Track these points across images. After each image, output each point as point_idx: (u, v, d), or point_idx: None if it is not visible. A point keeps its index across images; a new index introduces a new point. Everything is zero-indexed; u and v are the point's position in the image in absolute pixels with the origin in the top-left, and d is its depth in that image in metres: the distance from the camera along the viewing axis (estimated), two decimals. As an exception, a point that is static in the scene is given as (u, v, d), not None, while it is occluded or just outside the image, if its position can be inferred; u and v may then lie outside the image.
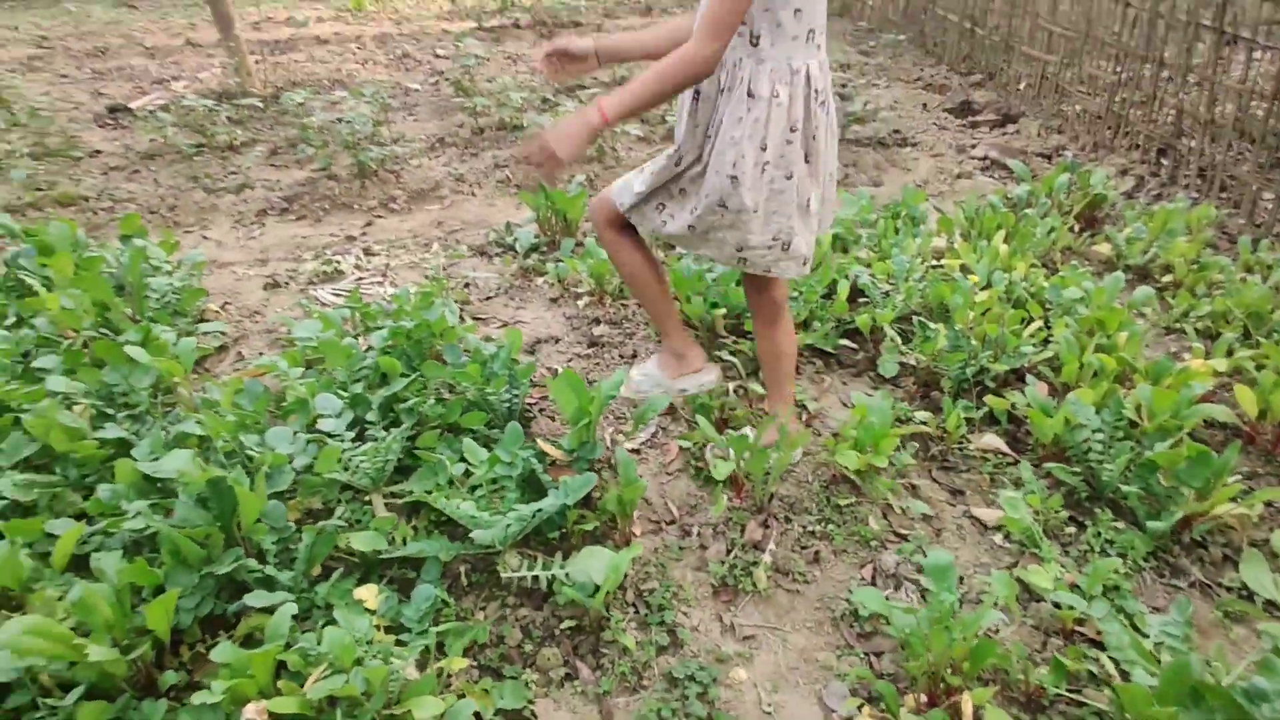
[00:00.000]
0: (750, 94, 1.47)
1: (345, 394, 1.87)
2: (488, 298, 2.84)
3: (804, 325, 2.40)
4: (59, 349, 2.05)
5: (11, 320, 2.26)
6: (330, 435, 1.74)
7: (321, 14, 7.52)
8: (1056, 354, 2.15)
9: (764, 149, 1.50)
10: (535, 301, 2.81)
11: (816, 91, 1.51)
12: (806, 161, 1.55)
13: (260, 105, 4.68)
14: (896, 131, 4.18)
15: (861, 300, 2.54)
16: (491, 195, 3.67)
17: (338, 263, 3.04)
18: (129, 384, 1.90)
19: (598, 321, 2.63)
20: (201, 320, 2.63)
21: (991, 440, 2.00)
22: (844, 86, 4.80)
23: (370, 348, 2.12)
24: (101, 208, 3.54)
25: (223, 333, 2.46)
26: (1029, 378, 2.06)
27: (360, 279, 2.98)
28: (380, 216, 3.50)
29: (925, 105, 4.68)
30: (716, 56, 1.39)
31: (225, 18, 4.70)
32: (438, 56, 6.04)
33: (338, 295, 2.86)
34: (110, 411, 1.85)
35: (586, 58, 1.76)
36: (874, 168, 3.80)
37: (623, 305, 2.71)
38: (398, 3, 7.68)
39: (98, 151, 4.19)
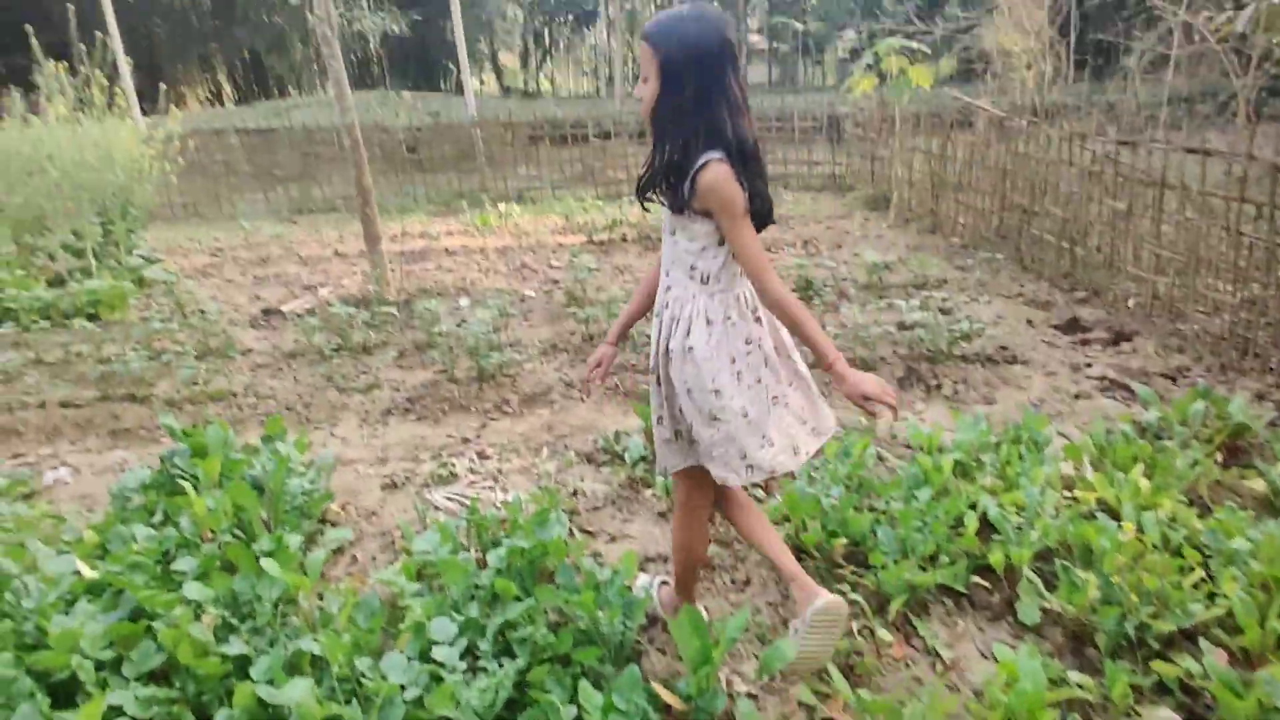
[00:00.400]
0: (709, 321, 1.69)
1: (459, 616, 1.85)
2: (596, 508, 2.84)
3: (931, 559, 2.26)
4: (197, 551, 2.14)
5: (159, 518, 2.40)
6: (443, 666, 1.70)
7: (451, 229, 8.44)
8: (1229, 612, 1.92)
9: (733, 361, 1.70)
10: (643, 515, 2.78)
11: (755, 311, 1.75)
12: (766, 366, 1.74)
13: (394, 311, 5.15)
14: (1004, 348, 4.15)
15: (993, 535, 2.38)
16: (600, 401, 3.79)
17: (452, 465, 3.14)
18: (255, 593, 1.95)
19: (709, 542, 2.56)
20: (325, 521, 2.72)
21: (1167, 716, 1.75)
22: (944, 300, 4.88)
23: (486, 565, 2.12)
24: (246, 403, 3.86)
25: (347, 541, 2.52)
26: (1202, 642, 1.83)
27: (473, 482, 3.05)
28: (494, 419, 3.66)
29: (1030, 321, 4.67)
30: (782, 285, 1.65)
31: (374, 235, 5.33)
32: (552, 267, 6.58)
33: (451, 500, 2.93)
34: (235, 623, 1.88)
35: (614, 354, 2.01)
36: (984, 385, 3.74)
37: (727, 526, 2.65)
38: (519, 219, 8.55)
39: (249, 350, 4.65)
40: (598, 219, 8.16)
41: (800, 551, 2.37)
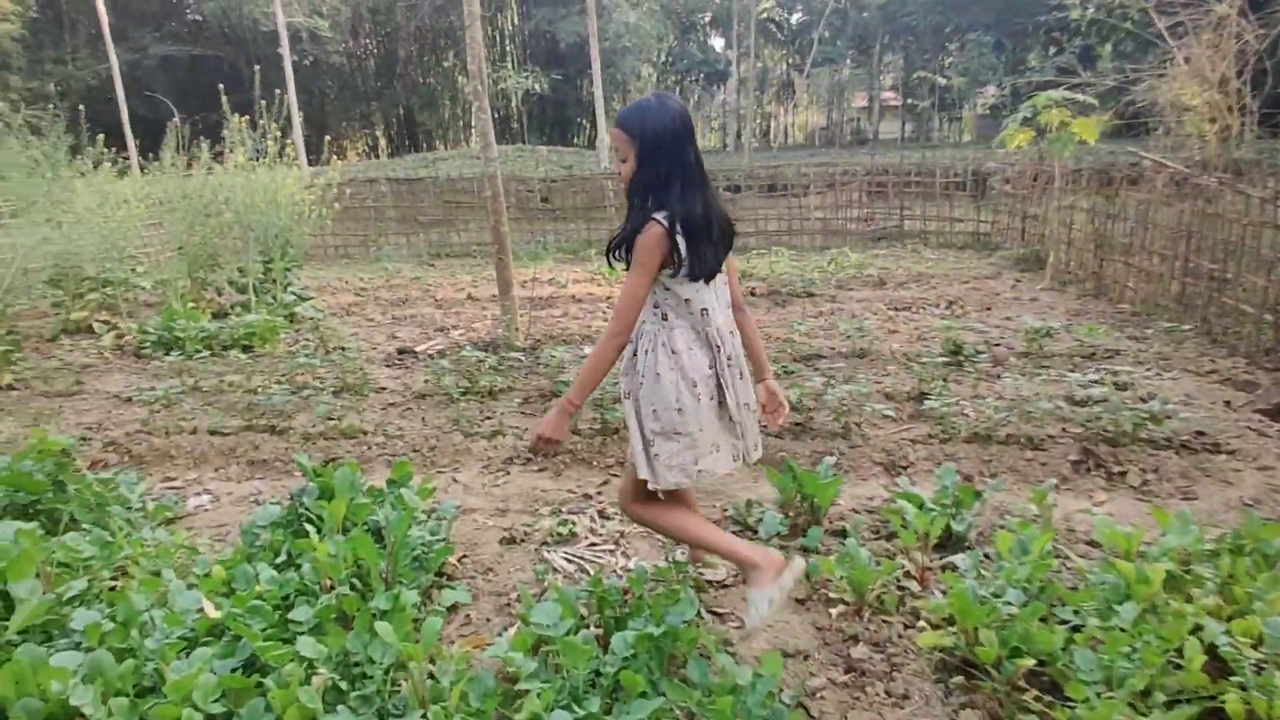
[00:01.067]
0: (672, 351, 1.98)
1: (580, 711, 1.64)
2: (725, 585, 2.58)
3: (1143, 695, 1.84)
4: (315, 601, 2.06)
5: (283, 558, 2.36)
6: (561, 770, 1.49)
7: (578, 276, 8.53)
8: None
9: (695, 385, 1.98)
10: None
11: (719, 348, 2.02)
12: (714, 400, 2.03)
13: (521, 357, 5.15)
14: (1202, 434, 3.58)
15: (1226, 674, 1.93)
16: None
17: (573, 524, 2.98)
18: (368, 655, 1.83)
19: (855, 640, 2.24)
20: (443, 574, 2.61)
21: None
22: (1120, 374, 4.32)
23: (608, 646, 1.91)
24: (376, 441, 3.88)
25: (463, 603, 2.39)
26: None
27: (594, 544, 2.87)
28: (616, 475, 3.48)
29: (1228, 403, 4.04)
30: (623, 336, 1.95)
31: (507, 281, 5.39)
32: (678, 318, 6.45)
33: (570, 561, 2.75)
34: (344, 687, 1.76)
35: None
36: (1181, 477, 3.21)
37: (885, 621, 2.31)
38: (645, 269, 8.53)
39: (383, 388, 4.75)
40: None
41: (973, 666, 2.02)
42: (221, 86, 7.35)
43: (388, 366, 5.28)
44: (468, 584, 2.62)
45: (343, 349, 5.54)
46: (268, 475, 3.60)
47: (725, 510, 3.06)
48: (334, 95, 32.56)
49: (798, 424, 3.85)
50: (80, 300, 6.23)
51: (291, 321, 6.47)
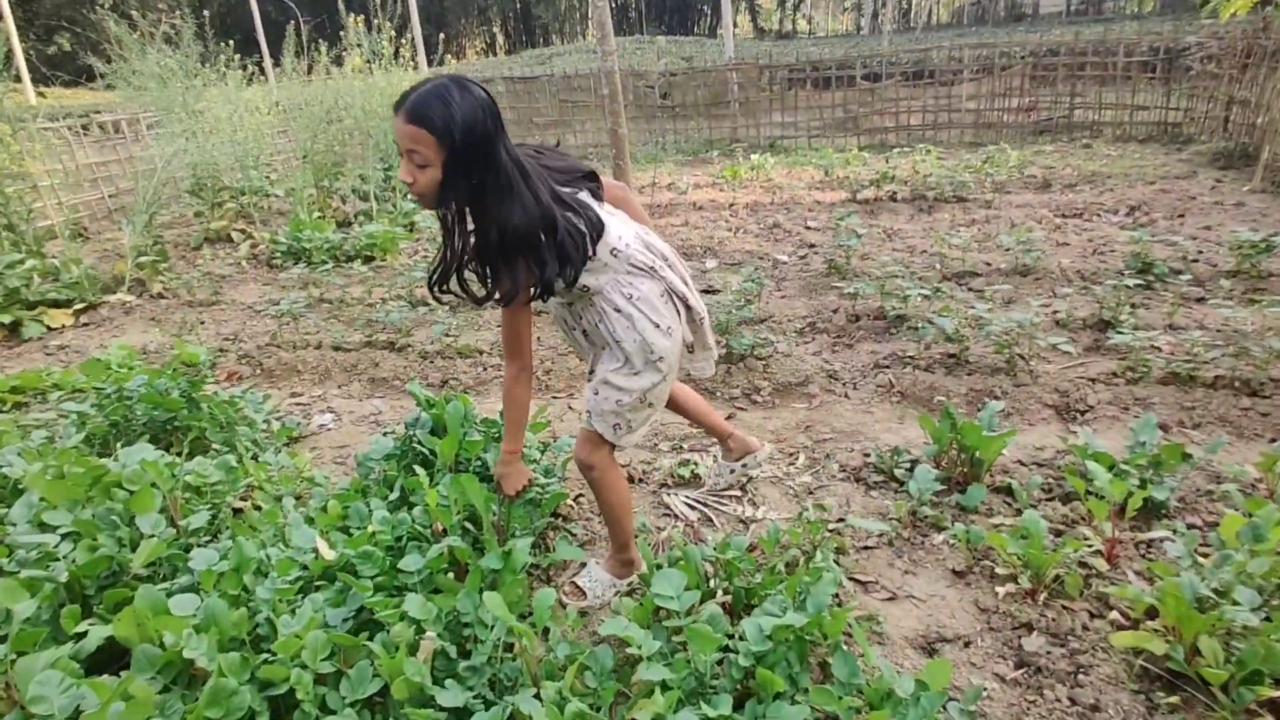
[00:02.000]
0: (617, 309, 1.79)
1: (711, 712, 1.43)
2: (867, 547, 2.28)
3: None
4: (427, 548, 1.94)
5: (396, 495, 2.26)
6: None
7: (700, 180, 8.04)
8: None
9: (658, 326, 1.82)
10: (931, 568, 2.18)
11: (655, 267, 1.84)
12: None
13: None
14: None
15: None
16: (869, 400, 3.17)
17: (694, 464, 2.74)
18: (478, 618, 1.69)
19: (1029, 628, 1.91)
20: (558, 515, 2.46)
21: None
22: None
23: (737, 626, 1.68)
24: (490, 363, 3.77)
25: (577, 555, 2.23)
26: None
27: (715, 488, 2.63)
28: (743, 409, 3.20)
29: None
30: (523, 368, 1.83)
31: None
32: (808, 228, 5.92)
33: (691, 506, 2.54)
34: (453, 653, 1.63)
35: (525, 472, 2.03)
36: None
37: (1065, 608, 1.96)
38: (771, 172, 7.91)
39: (499, 303, 4.61)
40: (861, 173, 7.28)
41: (1182, 679, 1.65)
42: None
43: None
44: (584, 526, 2.46)
45: (460, 260, 5.45)
46: (387, 394, 3.57)
47: (866, 455, 2.73)
48: (451, -11, 32.11)
49: (951, 356, 3.40)
50: (219, 210, 6.44)
51: (411, 231, 6.45)
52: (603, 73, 4.97)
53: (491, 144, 1.52)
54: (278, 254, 5.68)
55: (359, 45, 6.64)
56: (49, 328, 4.70)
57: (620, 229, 1.80)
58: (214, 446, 2.83)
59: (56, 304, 4.92)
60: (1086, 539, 2.13)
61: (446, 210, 1.62)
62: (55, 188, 6.03)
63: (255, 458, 2.78)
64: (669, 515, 2.51)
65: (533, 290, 1.68)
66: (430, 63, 13.44)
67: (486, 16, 35.05)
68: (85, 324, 4.80)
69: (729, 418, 3.12)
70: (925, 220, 5.92)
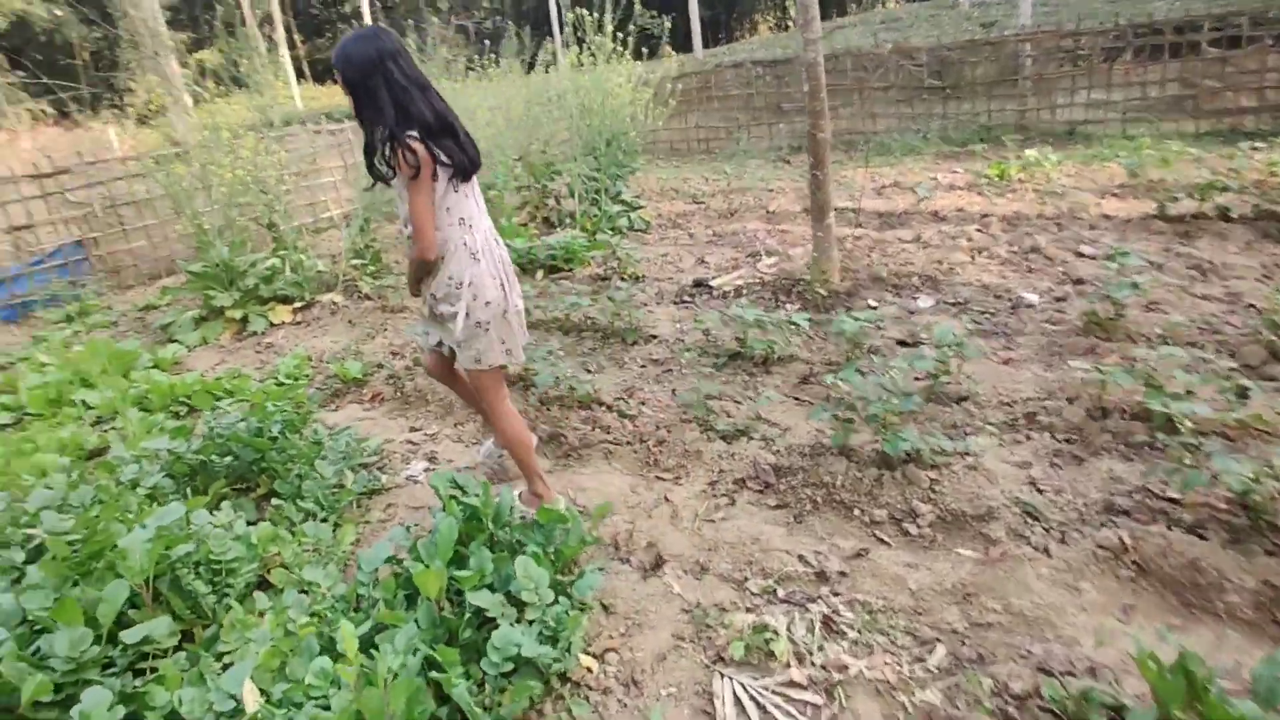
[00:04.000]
0: (473, 254, 2.26)
1: None
2: None
3: None
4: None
5: (367, 627, 1.88)
6: None
7: (955, 179, 6.68)
8: None
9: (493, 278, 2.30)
10: None
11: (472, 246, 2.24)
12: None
13: (828, 304, 4.01)
14: None
15: None
16: (1081, 567, 2.10)
17: (775, 634, 1.98)
18: None
19: None
20: (565, 680, 1.90)
21: None
22: None
23: None
24: (603, 421, 3.26)
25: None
26: None
27: (794, 681, 1.86)
28: (884, 542, 2.33)
29: None
30: (430, 250, 2.19)
31: (823, 206, 4.18)
32: (1081, 256, 4.50)
33: (753, 698, 1.81)
34: None
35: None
36: None
37: None
38: (1052, 171, 6.29)
39: (653, 336, 4.08)
40: (1187, 173, 5.45)
41: None
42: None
43: (675, 304, 4.59)
44: (597, 700, 1.86)
45: (637, 278, 5.00)
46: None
47: (1042, 673, 1.75)
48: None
49: (1240, 515, 2.16)
50: (441, 209, 6.70)
51: (613, 234, 6.15)
52: (802, 65, 4.11)
53: (382, 69, 2.07)
54: (472, 259, 5.71)
55: (577, 39, 6.42)
56: (271, 323, 5.16)
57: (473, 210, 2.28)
58: (277, 495, 2.71)
59: (286, 300, 5.40)
60: None
61: (366, 122, 2.14)
62: (300, 190, 6.68)
63: (305, 519, 2.60)
64: (717, 704, 1.82)
65: (444, 169, 2.13)
66: (707, 44, 13.11)
67: (766, -10, 33.96)
68: (299, 322, 5.20)
69: (858, 555, 2.27)
70: (1269, 253, 4.17)
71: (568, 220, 6.45)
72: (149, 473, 2.67)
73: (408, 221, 2.17)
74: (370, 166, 2.17)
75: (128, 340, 4.98)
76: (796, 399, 3.24)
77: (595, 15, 6.24)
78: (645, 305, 4.54)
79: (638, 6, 6.21)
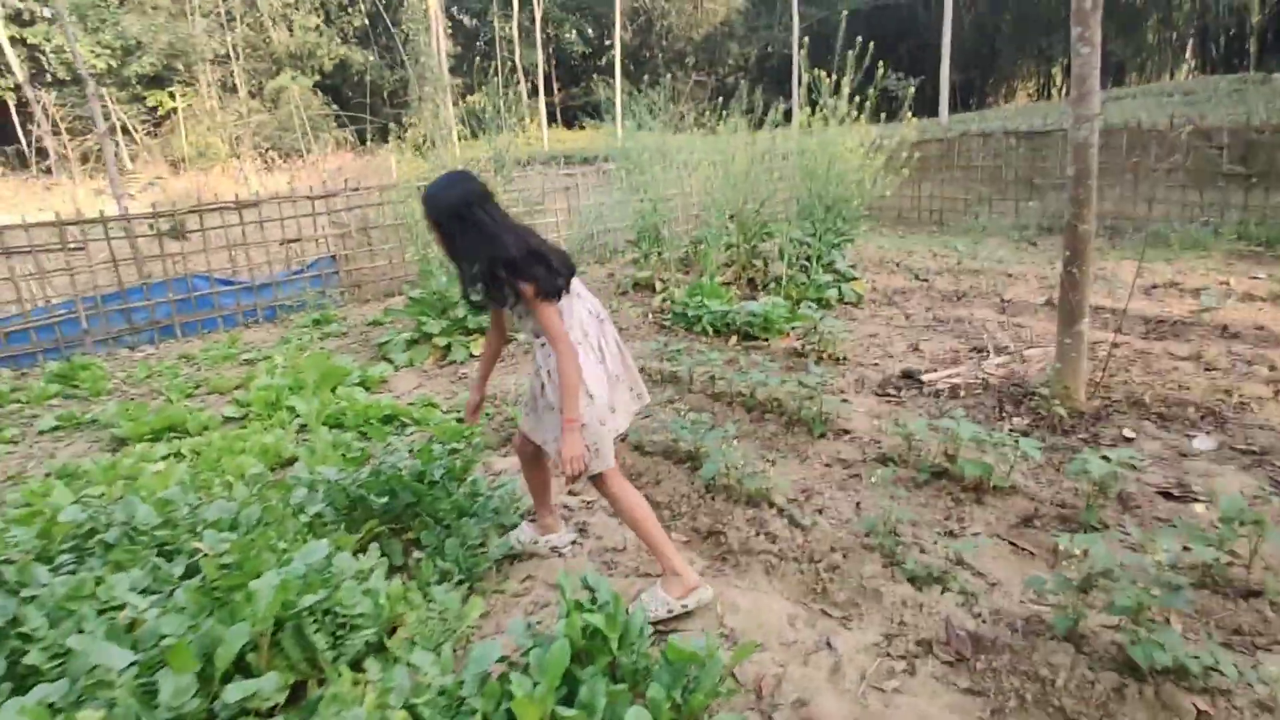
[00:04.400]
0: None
1: None
2: None
3: None
4: None
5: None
6: None
7: (1254, 286, 5.47)
8: None
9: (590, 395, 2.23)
10: None
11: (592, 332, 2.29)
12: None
13: (1067, 426, 3.33)
14: None
15: None
16: None
17: None
18: None
19: None
20: None
21: None
22: None
23: None
24: (773, 528, 2.87)
25: None
26: None
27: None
28: (1115, 784, 1.73)
29: None
30: (564, 350, 2.15)
31: (1074, 309, 3.50)
32: None
33: None
34: None
35: (483, 398, 2.60)
36: None
37: None
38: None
39: (845, 431, 3.63)
40: None
41: None
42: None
43: (877, 395, 4.09)
44: None
45: (838, 359, 4.56)
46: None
47: None
48: (1008, 30, 29.66)
49: None
50: (647, 261, 6.70)
51: (819, 306, 5.75)
52: (1070, 145, 3.49)
53: (469, 212, 2.15)
54: (668, 316, 5.58)
55: (811, 101, 6.15)
56: (471, 354, 5.36)
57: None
58: (420, 546, 2.64)
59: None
60: None
61: (455, 260, 2.25)
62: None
63: (440, 580, 2.49)
64: None
65: (544, 294, 2.13)
66: (955, 109, 12.35)
67: (1046, 55, 31.49)
68: (495, 356, 5.35)
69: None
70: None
71: (772, 285, 6.14)
72: (314, 499, 2.72)
73: (538, 333, 2.24)
74: (465, 297, 2.25)
75: (349, 353, 5.42)
76: (1013, 545, 2.65)
77: (834, 76, 5.94)
78: (842, 392, 4.09)
79: (882, 68, 5.82)
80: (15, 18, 21.43)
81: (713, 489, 3.11)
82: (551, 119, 30.19)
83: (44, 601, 2.04)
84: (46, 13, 21.96)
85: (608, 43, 29.08)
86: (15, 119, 21.99)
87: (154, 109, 24.48)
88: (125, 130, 23.27)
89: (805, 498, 3.04)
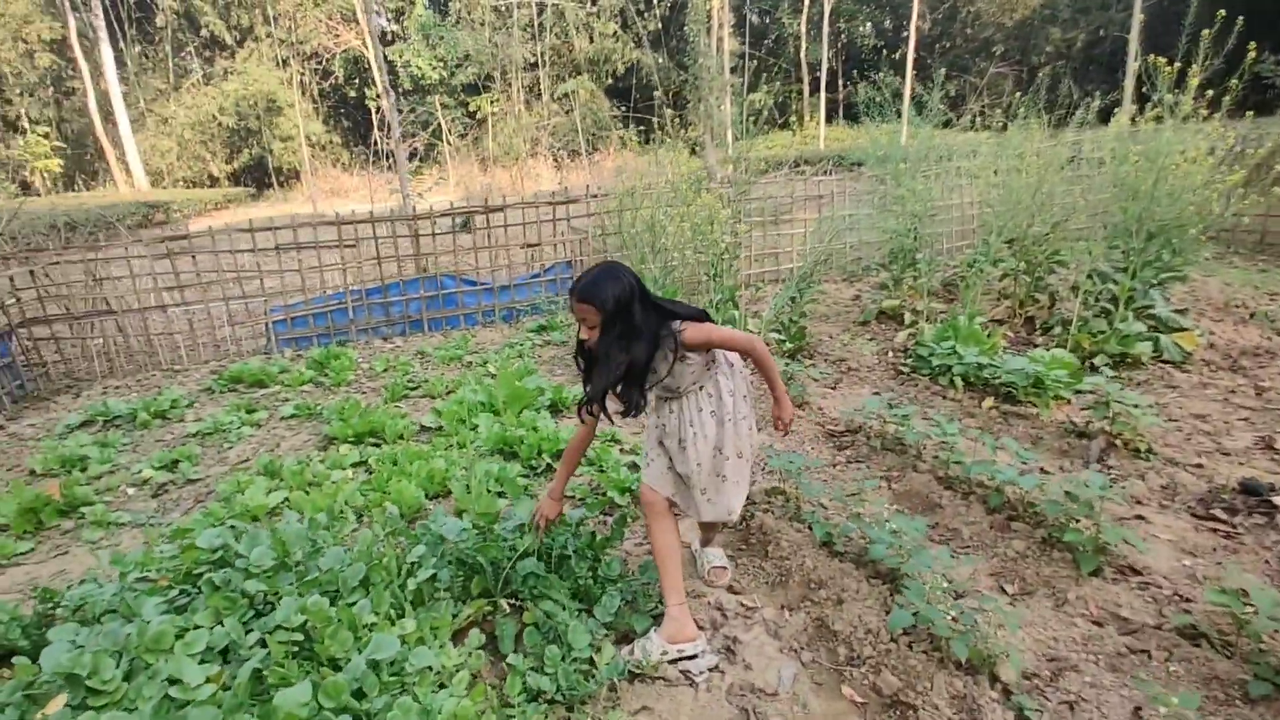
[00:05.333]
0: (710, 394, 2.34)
1: None
2: None
3: None
4: None
5: None
6: None
7: None
8: None
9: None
10: None
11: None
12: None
13: None
14: None
15: None
16: None
17: None
18: None
19: None
20: None
21: None
22: None
23: None
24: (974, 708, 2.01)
25: None
26: None
27: None
28: None
29: None
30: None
31: None
32: None
33: None
34: None
35: (560, 507, 2.52)
36: None
37: None
38: None
39: (1134, 569, 2.54)
40: None
41: None
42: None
43: (1195, 515, 2.87)
44: None
45: (1140, 451, 3.34)
46: (818, 650, 2.29)
47: None
48: None
49: None
50: (898, 286, 5.72)
51: (1121, 364, 4.40)
52: None
53: (632, 302, 2.15)
54: (906, 360, 4.63)
55: (1142, 95, 4.72)
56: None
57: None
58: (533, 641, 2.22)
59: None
60: None
61: (604, 349, 2.17)
62: (770, 237, 6.33)
63: (533, 699, 2.05)
64: None
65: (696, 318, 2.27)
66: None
67: None
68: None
69: None
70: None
71: (1057, 329, 4.86)
72: (430, 559, 2.44)
73: (708, 365, 2.32)
74: (598, 398, 2.23)
75: (561, 364, 5.28)
76: None
77: (1177, 63, 4.49)
78: (1138, 505, 2.94)
79: (1253, 51, 4.25)
80: (380, 38, 25.61)
81: (915, 637, 2.30)
82: (833, 115, 28.86)
83: (131, 646, 1.97)
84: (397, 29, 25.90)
85: (905, 34, 26.93)
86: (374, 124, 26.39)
87: (473, 113, 27.72)
88: (445, 134, 26.68)
89: (1051, 676, 2.11)
